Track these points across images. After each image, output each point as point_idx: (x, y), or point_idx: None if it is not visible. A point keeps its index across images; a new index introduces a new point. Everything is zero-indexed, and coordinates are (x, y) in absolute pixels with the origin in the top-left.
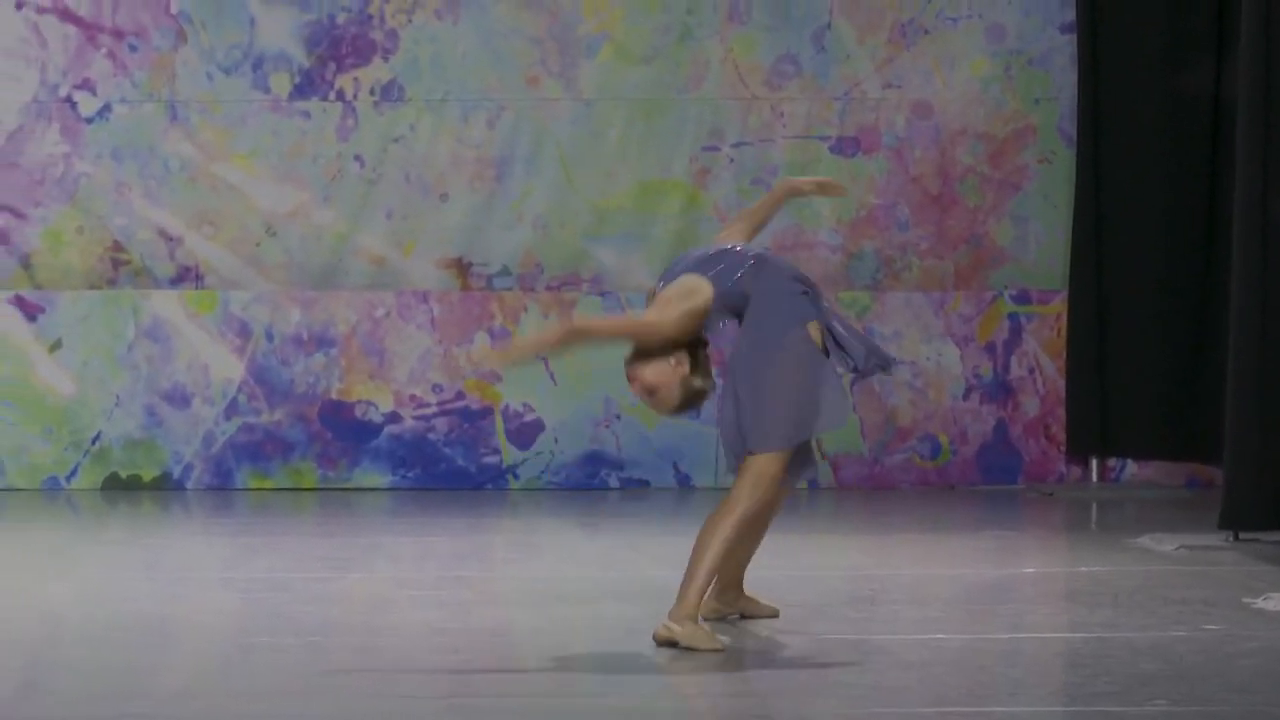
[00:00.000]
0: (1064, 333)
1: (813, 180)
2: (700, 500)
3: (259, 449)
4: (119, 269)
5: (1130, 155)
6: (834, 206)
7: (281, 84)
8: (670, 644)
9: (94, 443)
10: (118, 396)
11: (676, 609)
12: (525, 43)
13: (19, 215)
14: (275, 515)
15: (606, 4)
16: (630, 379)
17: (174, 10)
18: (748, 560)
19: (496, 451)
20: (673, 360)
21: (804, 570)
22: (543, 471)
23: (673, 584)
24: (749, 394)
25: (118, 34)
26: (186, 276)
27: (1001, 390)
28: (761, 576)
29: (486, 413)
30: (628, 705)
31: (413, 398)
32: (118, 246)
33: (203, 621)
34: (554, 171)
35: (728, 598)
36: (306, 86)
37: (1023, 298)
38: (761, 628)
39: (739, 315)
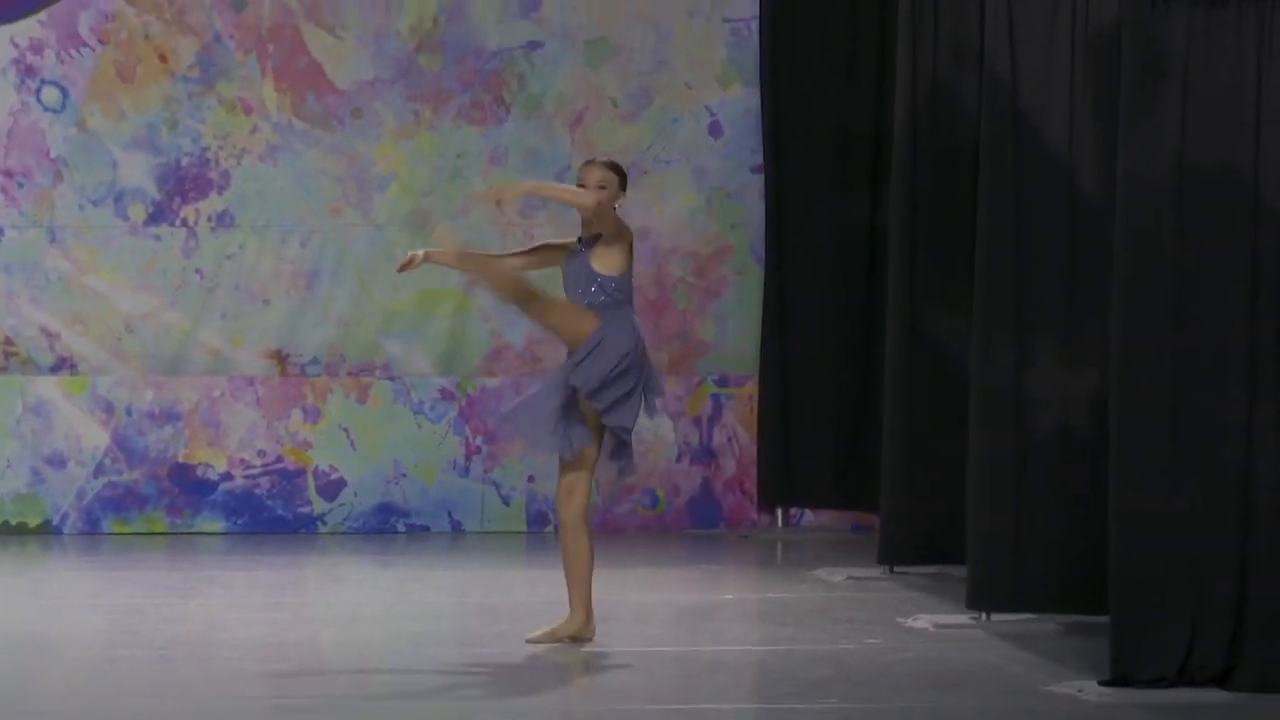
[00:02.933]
0: (755, 409)
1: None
2: (469, 542)
3: (121, 501)
4: (9, 359)
5: (806, 269)
6: None
7: (138, 213)
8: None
9: None
10: (8, 460)
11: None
12: (330, 181)
13: None
14: (133, 554)
15: (394, 150)
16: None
17: (53, 155)
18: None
19: (308, 503)
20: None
21: (548, 597)
22: (345, 519)
23: (448, 608)
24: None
25: (8, 173)
26: (63, 365)
27: (706, 454)
28: (507, 604)
29: (300, 472)
30: (415, 703)
31: (242, 460)
32: (8, 341)
33: (77, 638)
34: (353, 282)
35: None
36: (158, 215)
37: (723, 381)
38: (515, 645)
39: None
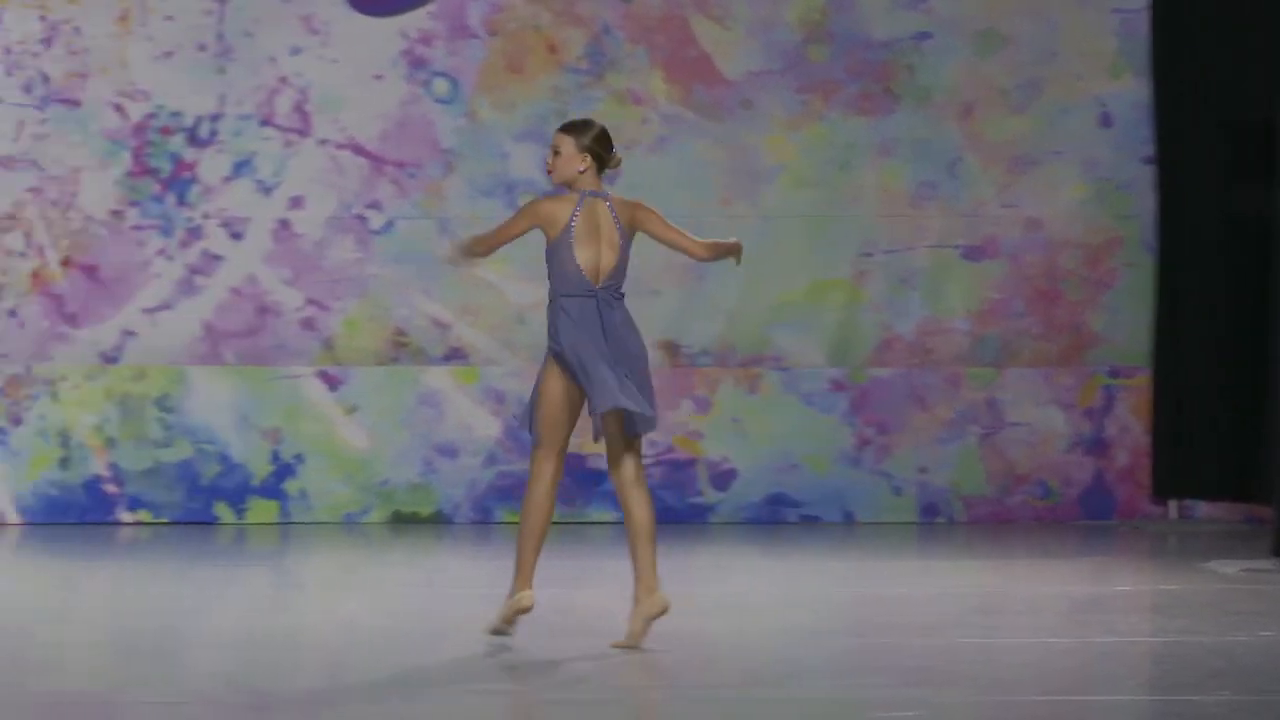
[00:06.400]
0: (1148, 400)
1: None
2: (864, 534)
3: (512, 491)
4: (401, 349)
5: (1198, 260)
6: (965, 300)
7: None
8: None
9: (382, 486)
10: (401, 450)
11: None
12: (719, 172)
13: (323, 307)
14: None
15: (784, 142)
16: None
17: (443, 146)
18: None
19: (699, 493)
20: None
21: (940, 588)
22: (736, 509)
23: (834, 597)
24: (645, 378)
25: (400, 165)
26: (454, 355)
27: (1098, 446)
28: (899, 595)
29: (691, 463)
30: (804, 694)
31: None
32: (400, 332)
33: (468, 627)
34: (742, 273)
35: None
36: None
37: (1114, 373)
38: (907, 636)
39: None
